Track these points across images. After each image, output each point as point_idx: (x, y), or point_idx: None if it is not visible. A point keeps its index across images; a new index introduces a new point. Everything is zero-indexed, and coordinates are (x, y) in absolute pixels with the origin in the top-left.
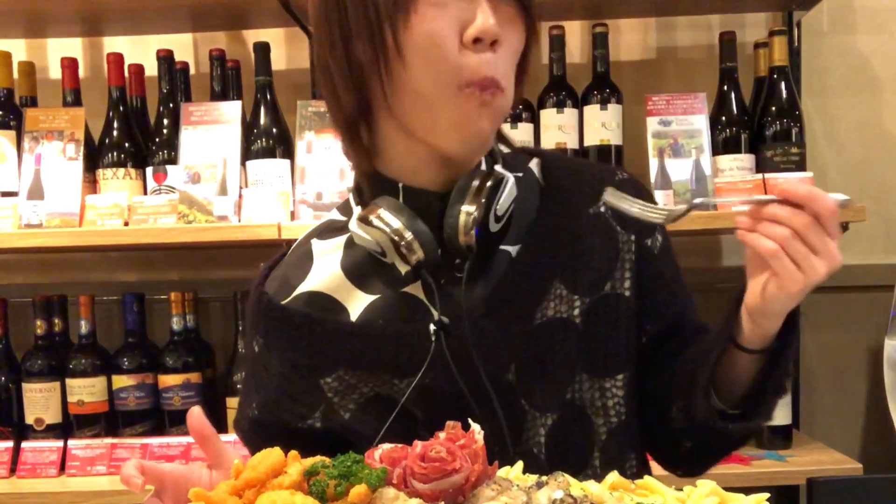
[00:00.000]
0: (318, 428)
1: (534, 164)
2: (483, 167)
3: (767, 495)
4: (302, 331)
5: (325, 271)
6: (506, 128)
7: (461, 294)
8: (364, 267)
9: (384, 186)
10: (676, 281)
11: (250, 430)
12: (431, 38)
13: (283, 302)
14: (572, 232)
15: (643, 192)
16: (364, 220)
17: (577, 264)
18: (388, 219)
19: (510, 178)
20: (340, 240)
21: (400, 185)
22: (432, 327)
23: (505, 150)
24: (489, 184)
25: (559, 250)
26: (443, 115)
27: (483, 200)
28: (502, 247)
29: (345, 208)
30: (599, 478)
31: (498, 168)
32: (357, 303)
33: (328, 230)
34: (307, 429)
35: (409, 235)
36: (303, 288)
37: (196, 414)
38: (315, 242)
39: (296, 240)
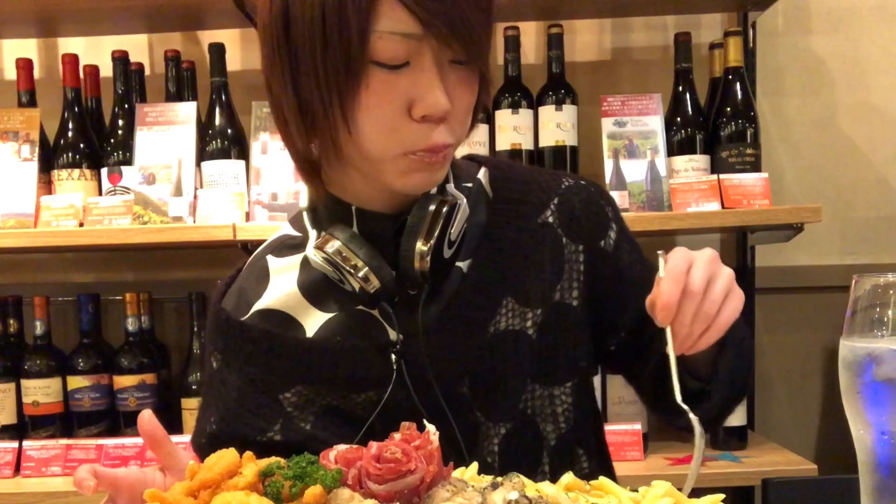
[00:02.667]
0: (278, 441)
1: (482, 174)
2: (434, 188)
3: (722, 496)
4: (260, 346)
5: (282, 289)
6: None
7: (416, 313)
8: (320, 286)
9: (338, 210)
10: (640, 265)
11: (208, 444)
12: (380, 113)
13: (241, 319)
14: (521, 244)
15: (594, 198)
16: (321, 249)
17: (527, 277)
18: (345, 253)
19: (462, 202)
20: (297, 258)
21: (353, 208)
22: (393, 356)
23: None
24: (444, 210)
25: (508, 264)
26: (389, 170)
27: (437, 231)
28: (455, 263)
29: (298, 224)
30: (549, 479)
31: (450, 189)
32: (313, 320)
33: (284, 247)
34: (266, 442)
35: (365, 270)
36: (259, 305)
37: (147, 417)
38: (271, 259)
39: (250, 241)
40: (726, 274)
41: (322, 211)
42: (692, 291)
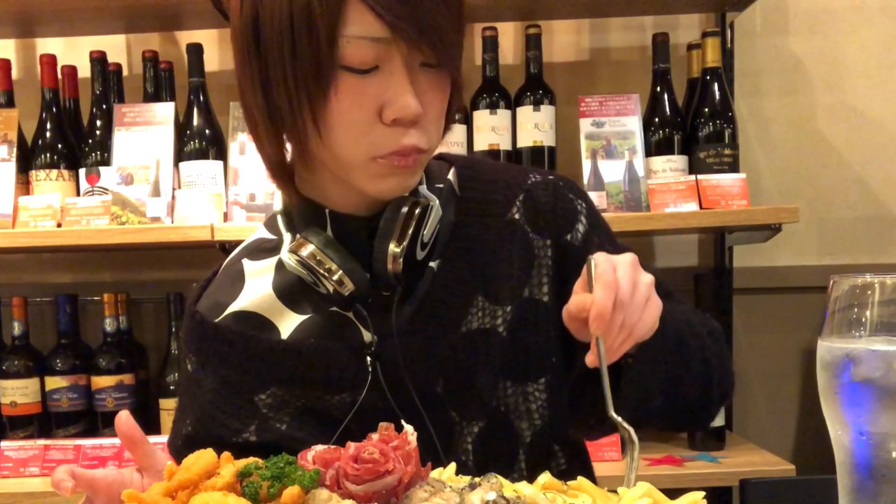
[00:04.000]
0: (253, 442)
1: (451, 174)
2: None
3: (703, 493)
4: (234, 349)
5: (257, 291)
6: None
7: (390, 314)
8: (295, 288)
9: (312, 213)
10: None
11: (184, 446)
12: (350, 117)
13: (215, 321)
14: (488, 242)
15: (561, 192)
16: (295, 253)
17: (497, 274)
18: (319, 256)
19: (435, 203)
20: (271, 261)
21: (327, 211)
22: (368, 358)
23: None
24: (416, 211)
25: (477, 262)
26: (361, 175)
27: (410, 233)
28: (428, 264)
29: (273, 227)
30: (525, 478)
31: (423, 190)
32: (288, 322)
33: (259, 250)
34: (242, 443)
35: (339, 273)
36: (234, 307)
37: (125, 418)
38: (246, 262)
39: (228, 241)
40: (647, 281)
41: (295, 214)
42: (622, 301)
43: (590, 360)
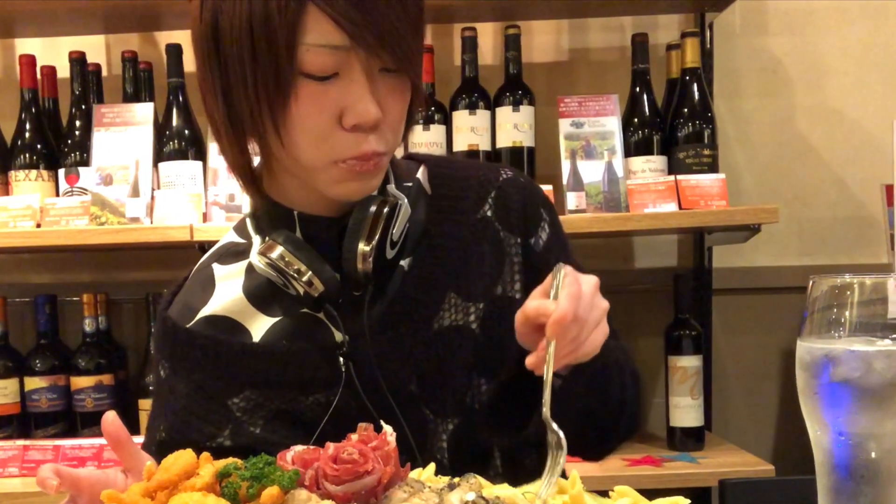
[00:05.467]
0: (228, 446)
1: (421, 172)
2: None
3: (689, 502)
4: (206, 353)
5: (227, 295)
6: (418, 129)
7: (361, 313)
8: (265, 290)
9: (280, 216)
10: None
11: (158, 452)
12: (310, 123)
13: (187, 326)
14: (460, 239)
15: (528, 196)
16: (264, 255)
17: (469, 272)
18: (288, 258)
19: (403, 202)
20: (241, 265)
21: (295, 213)
22: (341, 357)
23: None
24: (385, 210)
25: (449, 260)
26: (322, 178)
27: (378, 232)
28: (399, 262)
29: (242, 231)
30: (502, 477)
31: (391, 189)
32: (259, 325)
33: (229, 254)
34: (216, 447)
35: (309, 274)
36: (205, 311)
37: (111, 418)
38: (216, 267)
39: (207, 242)
40: (603, 307)
41: (264, 217)
42: (580, 316)
43: (531, 362)
